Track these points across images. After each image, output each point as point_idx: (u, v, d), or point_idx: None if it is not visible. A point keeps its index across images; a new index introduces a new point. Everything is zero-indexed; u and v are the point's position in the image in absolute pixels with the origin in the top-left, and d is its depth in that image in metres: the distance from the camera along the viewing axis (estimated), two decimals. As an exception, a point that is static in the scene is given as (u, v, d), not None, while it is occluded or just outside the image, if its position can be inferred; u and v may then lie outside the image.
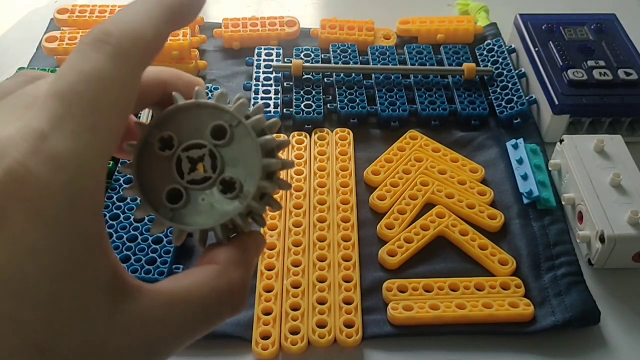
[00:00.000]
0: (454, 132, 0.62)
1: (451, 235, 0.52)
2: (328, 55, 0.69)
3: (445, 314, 0.46)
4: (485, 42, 0.70)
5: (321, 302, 0.46)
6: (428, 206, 0.54)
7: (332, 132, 0.60)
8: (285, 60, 0.68)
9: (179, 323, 0.22)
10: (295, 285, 0.47)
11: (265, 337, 0.44)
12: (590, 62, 0.62)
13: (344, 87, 0.64)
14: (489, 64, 0.67)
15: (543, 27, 0.67)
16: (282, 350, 0.44)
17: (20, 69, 0.60)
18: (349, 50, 0.69)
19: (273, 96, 0.63)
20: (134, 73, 0.21)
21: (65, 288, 0.19)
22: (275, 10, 0.78)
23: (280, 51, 0.68)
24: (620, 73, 0.61)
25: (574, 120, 0.60)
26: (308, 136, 0.60)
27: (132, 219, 0.50)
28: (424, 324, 0.46)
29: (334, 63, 0.67)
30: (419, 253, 0.51)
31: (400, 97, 0.63)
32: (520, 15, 0.69)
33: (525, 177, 0.56)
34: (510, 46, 0.69)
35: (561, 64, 0.62)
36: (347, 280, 0.48)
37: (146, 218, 0.50)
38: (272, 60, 0.67)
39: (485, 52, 0.69)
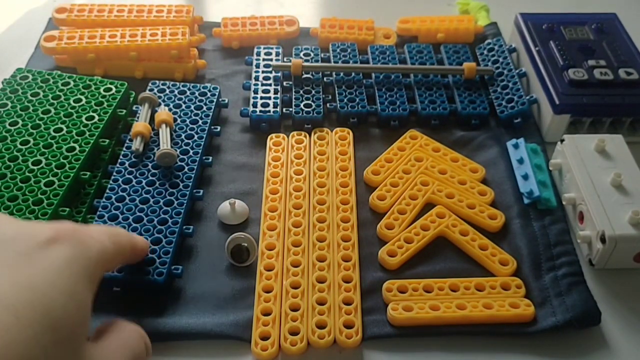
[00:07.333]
0: (454, 131, 0.62)
1: (451, 236, 0.52)
2: (328, 54, 0.69)
3: (445, 315, 0.45)
4: (486, 42, 0.70)
5: (321, 302, 0.46)
6: (428, 206, 0.54)
7: (331, 131, 0.60)
8: (285, 59, 0.67)
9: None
10: (295, 286, 0.47)
11: (265, 337, 0.44)
12: (591, 62, 0.62)
13: (343, 87, 0.64)
14: (489, 64, 0.67)
15: (544, 27, 0.67)
16: (281, 351, 0.44)
17: (18, 70, 0.60)
18: (349, 50, 0.68)
19: (272, 96, 0.63)
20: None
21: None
22: (274, 10, 0.78)
23: (280, 50, 0.68)
24: (621, 73, 0.61)
25: (574, 120, 0.60)
26: (308, 136, 0.60)
27: (130, 220, 0.50)
28: (424, 324, 0.46)
29: (334, 62, 0.67)
30: (419, 253, 0.51)
31: (400, 97, 0.63)
32: (521, 14, 0.69)
33: (525, 177, 0.55)
34: (511, 45, 0.69)
35: (562, 63, 0.62)
36: (347, 280, 0.48)
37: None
38: (271, 60, 0.67)
39: (485, 52, 0.69)
